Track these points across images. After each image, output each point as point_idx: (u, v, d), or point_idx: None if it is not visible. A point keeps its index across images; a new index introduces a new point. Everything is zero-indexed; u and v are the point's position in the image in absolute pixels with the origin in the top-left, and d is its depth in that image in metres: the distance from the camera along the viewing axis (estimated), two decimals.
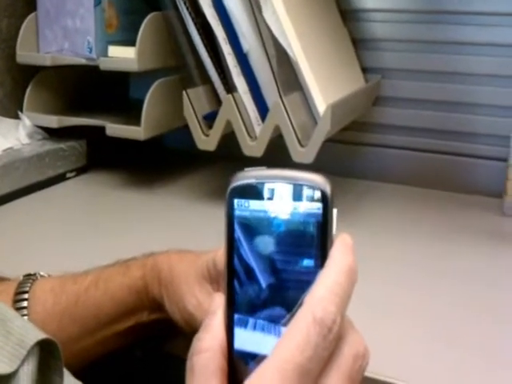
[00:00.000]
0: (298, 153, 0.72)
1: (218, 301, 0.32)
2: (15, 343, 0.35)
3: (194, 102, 0.76)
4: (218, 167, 0.95)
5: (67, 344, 0.47)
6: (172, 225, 0.76)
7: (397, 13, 0.90)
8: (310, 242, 0.30)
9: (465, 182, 0.89)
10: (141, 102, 0.80)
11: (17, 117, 0.88)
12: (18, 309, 0.48)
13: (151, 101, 0.79)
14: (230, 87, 0.75)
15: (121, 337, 0.49)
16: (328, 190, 0.30)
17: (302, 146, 0.72)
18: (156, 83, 0.80)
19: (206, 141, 0.77)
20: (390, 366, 0.46)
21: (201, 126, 0.77)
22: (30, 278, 0.51)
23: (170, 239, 0.69)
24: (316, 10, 0.83)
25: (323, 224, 0.30)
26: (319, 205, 0.30)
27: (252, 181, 0.31)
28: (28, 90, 0.87)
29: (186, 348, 0.32)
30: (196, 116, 0.76)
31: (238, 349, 0.31)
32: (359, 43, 0.92)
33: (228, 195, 0.31)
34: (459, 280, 0.63)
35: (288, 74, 0.74)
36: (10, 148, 0.84)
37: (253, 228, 0.31)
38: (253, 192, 0.31)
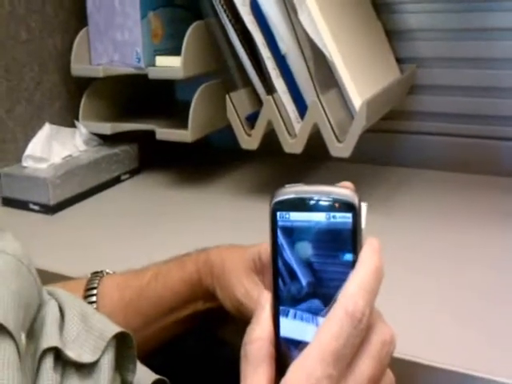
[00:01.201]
0: (335, 148, 0.75)
1: (266, 296, 0.37)
2: (96, 336, 0.40)
3: (236, 105, 0.80)
4: (261, 163, 0.98)
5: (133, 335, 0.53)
6: (221, 219, 0.79)
7: (429, 3, 0.92)
8: (343, 246, 0.35)
9: (504, 165, 0.90)
10: (187, 104, 0.84)
11: (73, 126, 0.94)
12: (89, 303, 0.53)
13: (196, 105, 0.83)
14: (270, 88, 0.79)
15: (180, 324, 0.54)
16: (356, 202, 0.35)
17: (339, 141, 0.75)
18: (200, 88, 0.84)
19: (249, 140, 0.81)
20: (417, 347, 0.49)
21: (243, 127, 0.81)
22: (97, 275, 0.56)
23: (219, 233, 0.73)
24: (350, 6, 0.85)
25: (353, 231, 0.35)
26: (349, 215, 0.35)
27: (292, 196, 0.36)
28: (83, 100, 0.92)
29: (236, 334, 0.38)
30: (239, 117, 0.81)
31: (283, 336, 0.36)
32: (393, 34, 0.94)
33: (271, 208, 0.36)
34: (502, 266, 0.64)
35: (325, 72, 0.77)
36: (69, 155, 0.89)
37: (293, 235, 0.36)
38: (292, 205, 0.36)
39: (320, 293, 0.35)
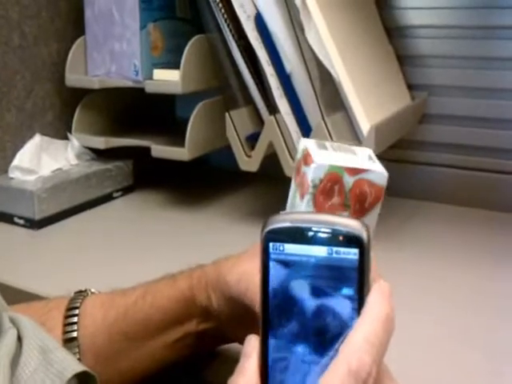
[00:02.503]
0: None
1: (253, 343, 0.31)
2: (55, 375, 0.35)
3: (236, 123, 0.77)
4: (262, 186, 0.95)
5: (117, 358, 0.48)
6: (217, 244, 0.74)
7: (443, 29, 0.89)
8: (346, 288, 0.30)
9: None
10: (187, 121, 0.81)
11: (66, 138, 0.90)
12: (69, 324, 0.49)
13: (195, 122, 0.80)
14: (273, 108, 0.75)
15: (170, 349, 0.49)
16: (365, 235, 0.30)
17: None
18: (199, 105, 0.81)
19: (249, 162, 0.77)
20: None
21: (243, 147, 0.77)
22: (81, 294, 0.52)
23: (215, 257, 0.70)
24: (360, 28, 0.82)
25: (359, 270, 0.29)
26: (355, 251, 0.29)
27: (287, 224, 0.30)
28: (76, 112, 0.89)
29: (225, 375, 0.32)
30: (238, 137, 0.77)
31: None
32: (405, 60, 0.91)
33: (263, 238, 0.30)
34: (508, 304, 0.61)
35: (331, 93, 0.74)
36: (59, 169, 0.86)
37: (288, 271, 0.30)
38: (288, 236, 0.30)
39: (317, 342, 0.30)
